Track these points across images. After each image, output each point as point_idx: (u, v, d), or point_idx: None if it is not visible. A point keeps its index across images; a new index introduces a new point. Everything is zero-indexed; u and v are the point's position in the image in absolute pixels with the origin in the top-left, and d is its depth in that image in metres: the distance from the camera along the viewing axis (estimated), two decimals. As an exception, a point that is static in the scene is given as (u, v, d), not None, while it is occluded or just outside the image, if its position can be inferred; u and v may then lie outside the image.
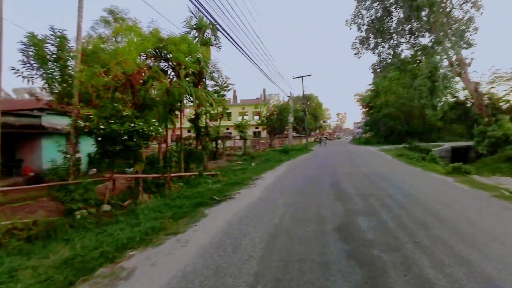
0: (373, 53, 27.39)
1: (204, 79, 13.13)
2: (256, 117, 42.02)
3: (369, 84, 40.85)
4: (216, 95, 20.57)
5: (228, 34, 12.26)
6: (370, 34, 26.05)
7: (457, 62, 22.01)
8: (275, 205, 5.66)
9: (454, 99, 30.26)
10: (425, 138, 27.47)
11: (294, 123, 44.36)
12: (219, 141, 21.93)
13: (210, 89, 20.65)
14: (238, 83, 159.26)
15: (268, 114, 37.65)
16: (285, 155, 20.92)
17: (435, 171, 9.69)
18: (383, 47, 27.40)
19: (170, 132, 13.51)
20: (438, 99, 21.98)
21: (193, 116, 12.52)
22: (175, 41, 9.02)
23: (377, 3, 25.07)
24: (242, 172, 12.33)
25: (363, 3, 25.79)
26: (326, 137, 47.68)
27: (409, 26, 24.98)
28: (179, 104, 9.97)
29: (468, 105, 30.50)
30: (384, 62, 28.63)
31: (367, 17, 25.86)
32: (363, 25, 25.89)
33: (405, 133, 30.25)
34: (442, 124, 29.69)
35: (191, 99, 10.42)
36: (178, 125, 11.35)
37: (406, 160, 13.49)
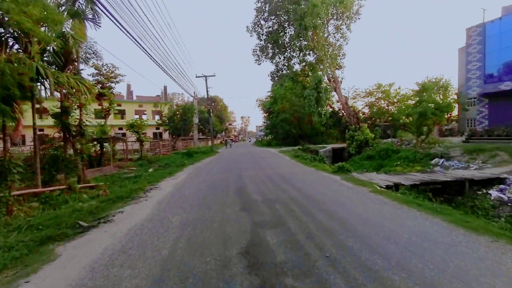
0: (272, 63, 29.80)
1: (75, 62, 10.03)
2: (157, 117, 37.94)
3: (268, 91, 44.53)
4: (99, 86, 16.82)
5: (110, 13, 9.85)
6: (269, 44, 28.21)
7: (333, 80, 26.90)
8: (169, 226, 4.43)
9: (331, 109, 37.10)
10: (313, 141, 32.18)
11: (199, 124, 42.81)
12: (106, 144, 18.01)
13: (90, 78, 16.61)
14: (135, 79, 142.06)
15: (170, 114, 34.44)
16: (189, 159, 19.35)
17: (325, 170, 10.87)
18: (280, 58, 30.31)
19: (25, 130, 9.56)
20: (321, 108, 26.10)
21: (57, 110, 9.31)
22: (18, -1, 6.18)
23: (273, 17, 27.45)
24: (134, 182, 10.18)
25: (262, 14, 27.70)
26: (231, 139, 48.64)
27: (299, 43, 28.72)
28: (27, 91, 7.01)
29: (340, 114, 38.13)
30: (281, 72, 31.73)
31: (265, 28, 27.88)
32: (262, 34, 27.74)
33: (298, 136, 34.48)
34: (324, 129, 35.75)
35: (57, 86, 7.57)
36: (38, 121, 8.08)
37: (302, 161, 14.86)
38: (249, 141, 53.34)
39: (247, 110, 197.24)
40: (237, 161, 16.04)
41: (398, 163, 16.01)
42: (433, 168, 13.55)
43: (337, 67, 27.17)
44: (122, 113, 41.06)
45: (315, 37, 23.93)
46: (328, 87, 27.45)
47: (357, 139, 23.05)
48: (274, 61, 29.39)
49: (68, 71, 9.77)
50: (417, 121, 17.52)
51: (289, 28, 27.40)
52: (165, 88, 44.95)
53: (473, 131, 21.01)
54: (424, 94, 18.21)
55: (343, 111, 40.05)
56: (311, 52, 28.47)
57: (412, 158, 15.71)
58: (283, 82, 31.82)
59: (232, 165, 14.08)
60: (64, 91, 10.02)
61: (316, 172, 10.40)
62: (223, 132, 66.78)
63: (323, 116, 26.49)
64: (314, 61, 27.54)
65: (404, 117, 25.02)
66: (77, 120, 9.97)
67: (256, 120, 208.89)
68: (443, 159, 14.02)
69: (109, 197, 6.86)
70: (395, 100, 40.69)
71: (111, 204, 6.24)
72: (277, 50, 28.42)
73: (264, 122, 56.39)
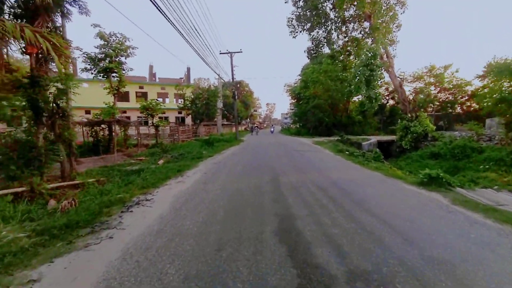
0: (310, 37, 25.37)
1: (50, 14, 7.21)
2: (180, 101, 35.65)
3: (298, 75, 39.98)
4: (107, 60, 14.28)
5: None
6: (307, 12, 23.67)
7: (386, 56, 21.98)
8: None
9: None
10: (350, 131, 27.67)
11: (224, 109, 40.03)
12: (116, 128, 15.81)
13: (96, 50, 14.08)
14: (157, 61, 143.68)
15: (193, 97, 31.64)
16: (209, 148, 16.52)
17: (401, 179, 7.22)
18: (318, 32, 25.76)
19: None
20: (372, 90, 21.43)
21: (24, 80, 6.62)
22: None
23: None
24: (128, 181, 7.41)
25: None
26: (257, 126, 45.27)
27: (342, 13, 23.83)
28: None
29: (384, 101, 32.79)
30: (319, 50, 27.21)
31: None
32: (299, 0, 23.23)
33: (331, 125, 30.09)
34: (361, 118, 30.74)
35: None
36: None
37: (352, 159, 11.19)
38: (271, 130, 44.90)
39: (272, 97, 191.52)
40: (267, 155, 12.78)
41: (487, 167, 11.69)
42: (556, 179, 9.20)
43: (389, 41, 22.10)
44: (144, 96, 39.44)
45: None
46: (381, 65, 22.41)
47: (413, 131, 18.51)
48: (312, 34, 24.89)
49: (41, 27, 7.03)
50: (513, 110, 12.74)
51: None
52: (188, 69, 42.41)
53: None
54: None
55: (387, 97, 34.70)
56: (355, 24, 23.61)
57: (510, 161, 11.27)
58: (321, 59, 27.10)
59: (261, 161, 10.85)
60: (40, 55, 7.44)
61: (392, 183, 6.76)
62: (248, 119, 63.71)
63: (374, 101, 21.72)
64: (360, 35, 22.64)
65: (481, 104, 19.76)
66: (51, 95, 7.24)
67: (281, 107, 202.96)
68: None
69: (57, 223, 3.98)
70: (451, 86, 34.34)
71: (44, 244, 3.34)
72: (316, 20, 23.77)
73: (292, 109, 51.78)
